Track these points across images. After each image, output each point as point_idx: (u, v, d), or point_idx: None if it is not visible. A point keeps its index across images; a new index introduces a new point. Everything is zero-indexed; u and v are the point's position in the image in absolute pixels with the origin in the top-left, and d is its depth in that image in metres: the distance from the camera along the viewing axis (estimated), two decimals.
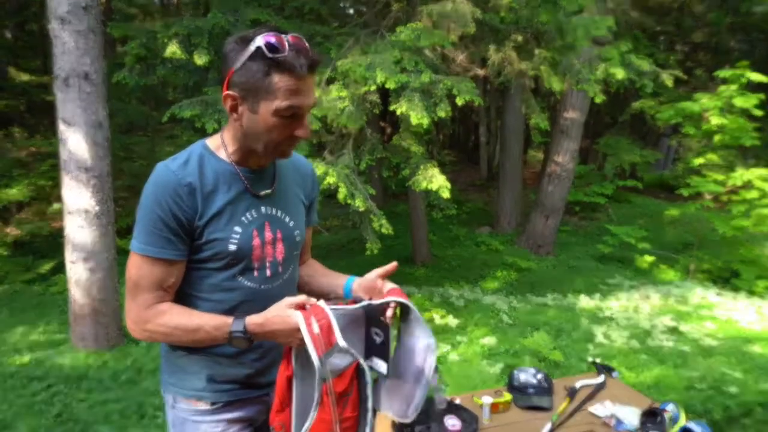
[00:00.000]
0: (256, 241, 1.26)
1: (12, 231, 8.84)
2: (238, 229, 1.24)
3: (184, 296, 1.27)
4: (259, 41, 1.10)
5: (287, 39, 1.12)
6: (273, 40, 1.10)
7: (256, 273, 1.28)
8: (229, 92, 1.16)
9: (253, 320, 1.16)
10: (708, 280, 7.64)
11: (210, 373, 1.29)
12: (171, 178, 1.18)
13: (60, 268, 7.07)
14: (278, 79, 1.11)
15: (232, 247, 1.23)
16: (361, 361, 1.18)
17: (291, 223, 1.35)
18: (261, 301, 1.25)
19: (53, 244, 8.16)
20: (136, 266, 1.20)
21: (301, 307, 1.15)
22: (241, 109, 1.17)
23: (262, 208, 1.28)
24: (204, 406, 1.31)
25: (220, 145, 1.26)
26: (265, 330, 1.15)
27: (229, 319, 1.17)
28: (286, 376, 1.17)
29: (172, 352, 1.32)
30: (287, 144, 1.21)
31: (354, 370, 1.19)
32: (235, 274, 1.25)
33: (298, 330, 1.10)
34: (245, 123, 1.18)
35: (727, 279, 7.46)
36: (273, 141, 1.18)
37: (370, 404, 1.22)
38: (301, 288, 1.50)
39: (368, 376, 1.20)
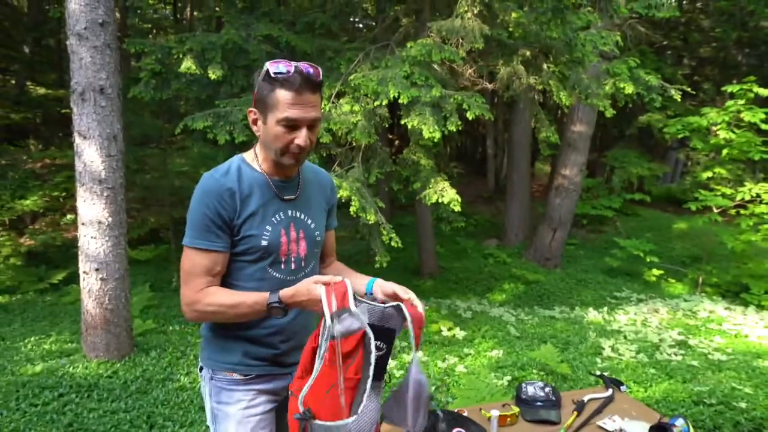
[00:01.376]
0: (283, 239, 1.50)
1: (26, 241, 8.96)
2: (269, 227, 1.47)
3: (224, 284, 1.49)
4: (268, 65, 1.36)
5: (295, 64, 1.35)
6: (279, 63, 1.35)
7: (283, 266, 1.51)
8: (252, 109, 1.44)
9: (285, 292, 1.36)
10: (717, 294, 7.59)
11: (244, 350, 1.52)
12: (215, 184, 1.42)
13: (72, 279, 7.15)
14: (280, 94, 1.35)
15: (264, 243, 1.46)
16: (368, 329, 1.30)
17: (312, 225, 1.58)
18: None
19: (66, 254, 8.26)
20: (189, 258, 1.43)
21: (326, 284, 1.30)
22: (259, 123, 1.43)
23: (289, 211, 1.52)
24: (238, 376, 1.54)
25: (254, 158, 1.51)
26: (295, 300, 1.34)
27: (266, 293, 1.38)
28: (311, 347, 1.31)
29: (213, 333, 1.56)
30: (292, 151, 1.41)
31: (361, 337, 1.31)
32: (265, 266, 1.49)
33: (320, 301, 1.26)
34: (261, 133, 1.44)
35: (736, 293, 7.41)
36: (279, 148, 1.41)
37: (371, 371, 1.33)
38: None
39: (372, 345, 1.31)
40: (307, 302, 1.32)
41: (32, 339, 5.01)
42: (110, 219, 4.14)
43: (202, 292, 1.42)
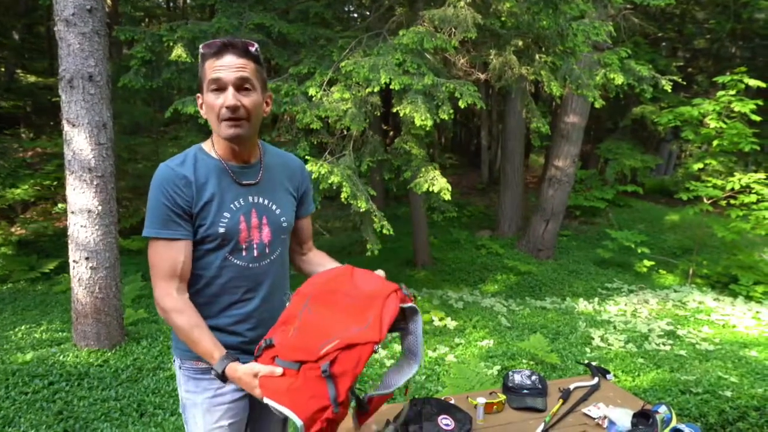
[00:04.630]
0: (243, 225, 1.47)
1: (17, 230, 8.91)
2: (226, 214, 1.45)
3: None
4: (200, 47, 1.40)
5: (225, 40, 1.39)
6: (209, 42, 1.39)
7: (244, 253, 1.48)
8: (198, 95, 1.46)
9: (231, 372, 1.34)
10: (707, 285, 7.65)
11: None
12: (170, 173, 1.41)
13: (64, 268, 7.13)
14: (206, 64, 1.39)
15: (221, 230, 1.44)
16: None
17: (277, 211, 1.55)
18: (251, 278, 1.51)
19: (57, 243, 8.22)
20: (154, 250, 1.43)
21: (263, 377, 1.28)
22: (203, 105, 1.44)
23: (250, 197, 1.49)
24: (203, 365, 1.50)
25: (211, 146, 1.50)
26: (236, 382, 1.34)
27: (216, 355, 1.37)
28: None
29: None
30: (224, 117, 1.39)
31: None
32: (225, 254, 1.47)
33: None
34: (205, 114, 1.44)
35: (725, 284, 7.47)
36: (215, 116, 1.40)
37: None
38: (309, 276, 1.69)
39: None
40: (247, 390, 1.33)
41: (23, 328, 5.00)
42: (100, 208, 4.12)
43: (174, 302, 1.41)
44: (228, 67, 1.36)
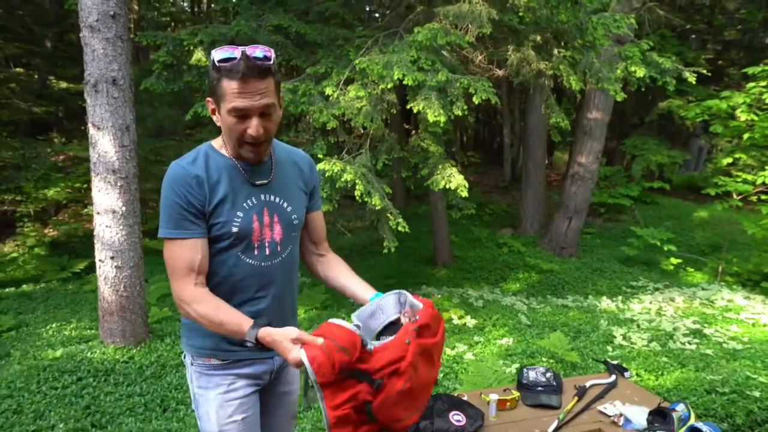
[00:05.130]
0: (256, 224, 1.47)
1: (50, 232, 9.23)
2: (240, 213, 1.45)
3: None
4: (213, 54, 1.33)
5: (242, 49, 1.29)
6: (222, 51, 1.31)
7: (256, 251, 1.49)
8: (209, 99, 1.43)
9: (264, 336, 1.30)
10: (737, 283, 7.42)
11: (221, 335, 1.48)
12: (182, 172, 1.40)
13: (93, 268, 7.31)
14: (225, 84, 1.32)
15: (235, 229, 1.44)
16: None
17: (289, 209, 1.54)
18: (263, 276, 1.49)
19: (87, 244, 8.47)
20: (170, 250, 1.42)
21: (305, 344, 1.25)
22: (216, 113, 1.42)
23: (262, 196, 1.49)
24: (216, 361, 1.54)
25: (223, 144, 1.48)
26: (271, 347, 1.31)
27: (246, 326, 1.33)
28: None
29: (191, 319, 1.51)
30: (247, 141, 1.39)
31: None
32: (238, 253, 1.47)
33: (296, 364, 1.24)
34: (220, 123, 1.42)
35: (756, 282, 7.23)
36: (235, 138, 1.39)
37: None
38: (329, 285, 1.68)
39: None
40: (282, 355, 1.29)
41: (54, 325, 5.17)
42: (124, 208, 4.24)
43: (191, 294, 1.40)
44: (252, 94, 1.31)
